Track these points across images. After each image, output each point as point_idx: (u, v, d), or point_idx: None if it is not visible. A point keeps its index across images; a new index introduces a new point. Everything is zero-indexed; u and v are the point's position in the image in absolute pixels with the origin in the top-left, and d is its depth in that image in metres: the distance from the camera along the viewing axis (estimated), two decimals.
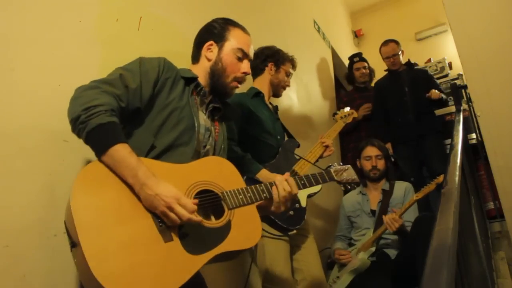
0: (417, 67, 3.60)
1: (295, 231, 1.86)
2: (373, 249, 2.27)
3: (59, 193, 1.19)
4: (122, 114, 1.11)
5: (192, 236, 1.05)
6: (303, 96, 3.35)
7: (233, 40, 1.36)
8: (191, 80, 1.31)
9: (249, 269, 1.67)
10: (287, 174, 1.34)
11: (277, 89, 2.15)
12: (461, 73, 3.83)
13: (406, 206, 2.25)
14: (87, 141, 1.03)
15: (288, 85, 2.19)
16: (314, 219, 2.93)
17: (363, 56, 3.92)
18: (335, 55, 4.52)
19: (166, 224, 1.02)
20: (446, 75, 4.22)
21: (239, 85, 1.39)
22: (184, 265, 0.99)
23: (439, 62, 4.40)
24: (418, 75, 3.39)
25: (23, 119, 1.15)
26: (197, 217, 1.03)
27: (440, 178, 2.20)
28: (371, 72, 3.84)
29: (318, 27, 4.17)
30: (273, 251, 1.78)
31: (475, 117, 3.08)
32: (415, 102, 3.27)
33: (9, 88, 1.13)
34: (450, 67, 4.42)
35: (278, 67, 2.11)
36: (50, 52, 1.27)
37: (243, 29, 1.41)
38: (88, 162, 1.29)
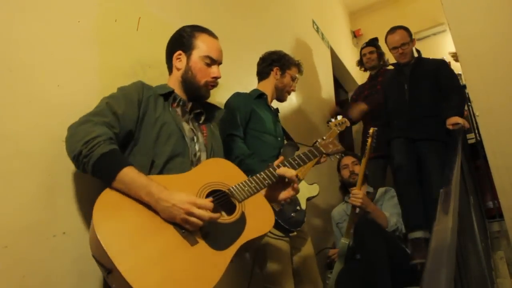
0: (432, 58, 2.97)
1: (295, 233, 1.88)
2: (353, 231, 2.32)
3: (58, 194, 1.19)
4: (117, 140, 1.16)
5: (214, 235, 1.10)
6: (302, 96, 3.35)
7: (201, 47, 1.39)
8: (168, 94, 1.36)
9: (251, 271, 1.67)
10: (281, 158, 1.39)
11: (281, 94, 2.16)
12: (460, 73, 3.84)
13: (362, 167, 2.49)
14: (94, 173, 1.07)
15: (293, 90, 2.20)
16: (313, 220, 2.93)
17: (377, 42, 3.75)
18: (334, 55, 4.52)
19: (188, 230, 1.06)
20: None
21: (211, 88, 1.42)
22: (215, 262, 1.06)
23: None
24: (425, 69, 2.71)
25: (22, 120, 1.15)
26: (216, 214, 1.09)
27: (371, 130, 2.51)
28: (380, 56, 3.66)
29: (317, 27, 4.17)
30: (274, 252, 1.79)
31: (474, 116, 3.08)
32: (413, 102, 2.68)
33: (8, 89, 1.13)
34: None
35: (284, 71, 2.13)
36: (49, 53, 1.27)
37: (210, 34, 1.43)
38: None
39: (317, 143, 1.58)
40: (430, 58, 2.85)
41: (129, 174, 1.06)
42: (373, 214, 2.41)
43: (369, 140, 2.50)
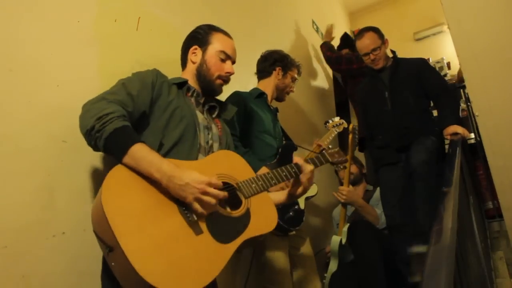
0: (410, 58, 2.62)
1: (294, 232, 1.89)
2: (345, 229, 2.33)
3: (58, 194, 1.19)
4: (130, 120, 1.17)
5: (218, 227, 1.10)
6: (302, 96, 3.36)
7: (216, 44, 1.44)
8: (182, 84, 1.39)
9: (249, 269, 1.68)
10: (299, 158, 1.40)
11: (281, 94, 2.19)
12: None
13: (348, 165, 2.40)
14: (105, 147, 1.07)
15: (292, 91, 2.23)
16: (312, 220, 2.93)
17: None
18: None
19: (196, 214, 1.07)
20: (445, 75, 4.24)
21: (223, 83, 1.46)
22: (218, 254, 1.06)
23: (437, 62, 4.42)
24: (405, 72, 2.41)
25: (22, 120, 1.15)
26: (226, 193, 1.12)
27: (351, 126, 2.40)
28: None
29: (317, 27, 4.18)
30: (273, 251, 1.80)
31: (474, 116, 3.08)
32: (396, 111, 2.36)
33: (7, 89, 1.13)
34: (449, 67, 4.43)
35: (286, 72, 2.15)
36: (48, 53, 1.27)
37: (225, 33, 1.49)
38: (88, 163, 1.29)
39: (324, 150, 1.59)
40: (408, 58, 2.54)
41: (141, 150, 1.06)
42: (362, 210, 2.45)
43: (350, 136, 2.47)
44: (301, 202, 1.94)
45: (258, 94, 2.06)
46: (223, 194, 1.09)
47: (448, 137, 2.18)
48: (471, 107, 3.02)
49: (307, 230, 2.12)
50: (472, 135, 3.42)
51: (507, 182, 2.48)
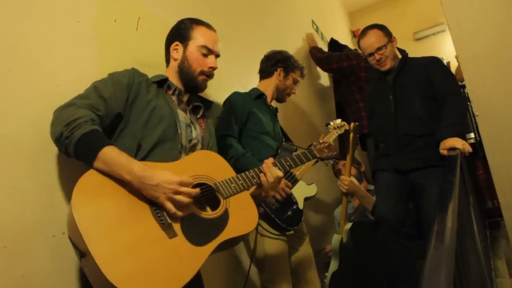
0: (421, 56, 2.29)
1: (292, 232, 1.88)
2: (347, 227, 2.32)
3: (57, 194, 1.19)
4: (103, 123, 1.16)
5: (194, 229, 1.08)
6: (302, 96, 3.35)
7: (198, 38, 1.39)
8: (162, 82, 1.36)
9: (249, 269, 1.68)
10: (271, 159, 1.36)
11: (282, 95, 2.17)
12: None
13: (349, 161, 2.43)
14: (76, 154, 1.07)
15: (294, 93, 2.21)
16: (312, 220, 2.93)
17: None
18: None
19: (169, 215, 1.05)
20: None
21: (207, 79, 1.41)
22: (192, 257, 1.04)
23: None
24: (412, 72, 2.13)
25: (22, 120, 1.15)
26: (196, 190, 1.10)
27: (352, 125, 2.33)
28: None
29: (317, 27, 4.17)
30: (272, 250, 1.80)
31: (474, 116, 3.08)
32: (401, 118, 2.10)
33: (7, 89, 1.13)
34: (449, 67, 4.43)
35: (287, 73, 2.13)
36: (48, 53, 1.27)
37: (208, 26, 1.44)
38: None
39: (312, 146, 1.54)
40: (420, 57, 2.25)
41: (109, 154, 1.05)
42: (364, 201, 2.46)
43: (351, 135, 2.47)
44: (300, 202, 1.94)
45: (258, 95, 2.06)
46: (195, 192, 1.08)
47: (444, 152, 1.87)
48: (471, 107, 3.02)
49: (306, 230, 2.11)
50: (472, 135, 3.42)
51: (507, 181, 2.48)
